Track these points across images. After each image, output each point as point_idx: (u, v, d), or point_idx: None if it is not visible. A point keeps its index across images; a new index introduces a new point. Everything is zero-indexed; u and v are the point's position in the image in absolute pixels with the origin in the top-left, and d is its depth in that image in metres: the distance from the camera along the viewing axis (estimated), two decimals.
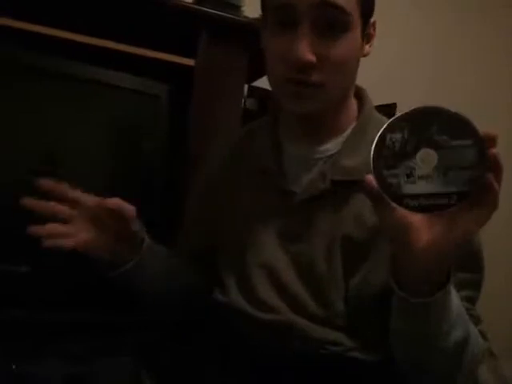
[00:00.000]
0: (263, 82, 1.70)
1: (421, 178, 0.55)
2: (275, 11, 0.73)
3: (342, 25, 0.70)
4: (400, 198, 0.55)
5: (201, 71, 1.29)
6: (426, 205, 0.54)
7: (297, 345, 0.76)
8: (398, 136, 0.56)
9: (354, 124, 0.83)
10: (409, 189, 0.55)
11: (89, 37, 1.25)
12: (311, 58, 0.69)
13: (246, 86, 1.53)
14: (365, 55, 0.79)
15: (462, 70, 2.02)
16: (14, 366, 0.83)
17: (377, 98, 1.99)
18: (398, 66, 2.06)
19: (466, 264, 0.74)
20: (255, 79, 1.66)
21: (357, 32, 0.73)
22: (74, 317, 1.07)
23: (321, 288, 0.76)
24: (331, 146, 0.82)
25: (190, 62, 1.31)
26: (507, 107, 1.93)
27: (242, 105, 1.45)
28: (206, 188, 0.98)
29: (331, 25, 0.70)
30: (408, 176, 0.55)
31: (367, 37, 0.78)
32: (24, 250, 1.16)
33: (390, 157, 0.56)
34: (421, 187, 0.55)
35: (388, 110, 1.84)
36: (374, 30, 0.80)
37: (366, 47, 0.79)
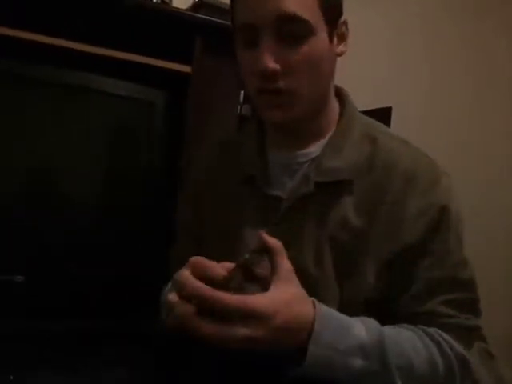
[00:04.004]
0: None
1: None
2: (240, 31, 0.76)
3: (301, 32, 0.73)
4: None
5: (197, 78, 1.30)
6: None
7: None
8: None
9: (334, 128, 0.83)
10: None
11: (84, 44, 1.24)
12: (273, 65, 0.72)
13: (241, 93, 1.53)
14: (339, 55, 0.80)
15: (459, 73, 2.03)
16: (11, 377, 0.82)
17: (373, 101, 2.00)
18: (393, 69, 2.07)
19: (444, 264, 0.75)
20: None
21: (322, 35, 0.75)
22: (70, 325, 1.06)
23: (314, 293, 0.75)
24: (314, 149, 0.82)
25: (187, 68, 1.31)
26: (505, 109, 1.93)
27: (238, 111, 1.45)
28: (191, 195, 0.97)
29: (291, 34, 0.73)
30: None
31: (339, 37, 0.79)
32: (19, 261, 1.17)
33: None
34: None
35: (384, 113, 1.84)
36: (347, 28, 0.80)
37: (340, 47, 0.79)
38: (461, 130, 1.86)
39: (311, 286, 0.74)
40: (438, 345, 0.71)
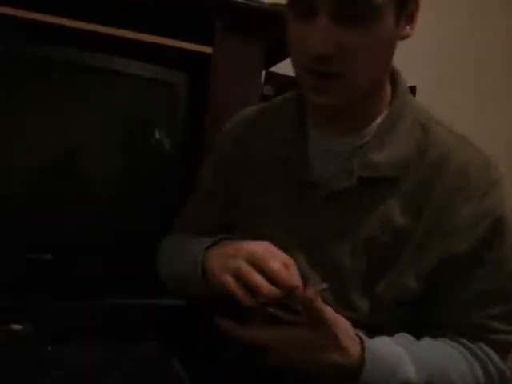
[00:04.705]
0: (281, 68, 1.70)
1: None
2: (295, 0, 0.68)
3: (365, 13, 0.63)
4: None
5: (218, 58, 1.29)
6: None
7: None
8: None
9: (385, 112, 0.75)
10: None
11: (105, 26, 1.25)
12: (327, 49, 0.63)
13: (263, 72, 1.52)
14: (404, 38, 0.70)
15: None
16: (49, 348, 0.84)
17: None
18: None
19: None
20: (272, 65, 1.65)
21: (388, 18, 0.65)
22: (97, 303, 1.09)
23: (345, 290, 0.73)
24: (359, 137, 0.75)
25: (208, 49, 1.30)
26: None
27: (260, 91, 1.44)
28: (220, 163, 0.91)
29: (353, 14, 0.63)
30: None
31: (407, 18, 0.69)
32: (48, 239, 1.19)
33: None
34: None
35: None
36: (417, 8, 0.69)
37: (407, 28, 0.69)
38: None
39: (341, 283, 0.73)
40: (485, 369, 0.70)
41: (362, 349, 0.63)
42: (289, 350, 0.62)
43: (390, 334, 0.71)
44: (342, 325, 0.63)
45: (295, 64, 0.72)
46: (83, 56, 1.24)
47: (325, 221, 0.75)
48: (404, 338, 0.71)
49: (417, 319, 0.73)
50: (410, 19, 0.70)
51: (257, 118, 0.89)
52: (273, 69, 1.69)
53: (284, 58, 1.61)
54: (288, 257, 0.67)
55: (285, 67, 1.71)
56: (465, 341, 0.72)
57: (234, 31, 1.27)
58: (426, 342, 0.72)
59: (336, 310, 0.64)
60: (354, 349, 0.63)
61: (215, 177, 0.92)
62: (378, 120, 0.75)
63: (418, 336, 0.72)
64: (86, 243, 1.22)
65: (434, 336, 0.73)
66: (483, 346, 0.71)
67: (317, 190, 0.75)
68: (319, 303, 0.60)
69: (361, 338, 0.65)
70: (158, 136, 1.31)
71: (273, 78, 1.71)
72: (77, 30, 1.22)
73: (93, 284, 1.12)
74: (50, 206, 1.21)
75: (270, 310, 0.62)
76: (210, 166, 0.95)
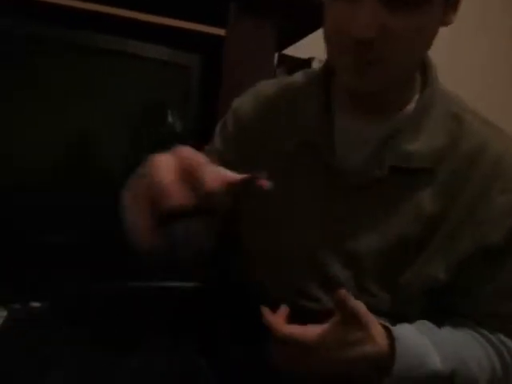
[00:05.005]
0: (293, 50, 1.70)
1: None
2: None
3: None
4: None
5: (231, 41, 1.29)
6: None
7: None
8: None
9: (415, 98, 0.73)
10: None
11: (118, 8, 1.24)
12: (370, 33, 0.59)
13: (275, 55, 1.51)
14: (447, 24, 0.66)
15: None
16: (63, 328, 0.85)
17: None
18: None
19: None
20: (285, 47, 1.64)
21: (437, 3, 0.61)
22: (120, 286, 1.10)
23: (366, 279, 0.71)
24: (390, 124, 0.71)
25: (221, 31, 1.30)
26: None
27: (273, 73, 1.44)
28: (234, 134, 0.85)
29: None
30: None
31: (452, 5, 0.65)
32: (74, 224, 1.21)
33: None
34: None
35: None
36: None
37: (450, 16, 0.66)
38: None
39: (365, 270, 0.71)
40: (501, 356, 0.71)
41: (391, 339, 0.64)
42: (331, 347, 0.62)
43: (410, 321, 0.70)
44: (371, 316, 0.63)
45: (331, 45, 0.67)
46: (97, 38, 1.25)
47: (351, 209, 0.72)
48: (425, 325, 0.70)
49: (438, 307, 0.73)
50: (455, 5, 0.66)
51: (277, 94, 0.83)
52: (286, 51, 1.69)
53: (297, 41, 1.60)
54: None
55: (297, 49, 1.71)
56: (485, 331, 0.72)
57: (248, 13, 1.27)
58: (448, 331, 0.71)
59: (355, 297, 0.62)
60: (381, 338, 0.63)
61: (228, 147, 0.85)
62: (409, 107, 0.72)
63: (437, 323, 0.72)
64: (104, 226, 1.23)
65: (455, 324, 0.73)
66: (502, 336, 0.72)
67: (343, 177, 0.72)
68: (351, 300, 0.60)
69: (388, 328, 0.65)
70: (170, 118, 1.32)
71: (285, 60, 1.70)
72: (91, 13, 1.23)
73: (110, 267, 1.14)
74: (66, 190, 1.23)
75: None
76: (222, 135, 0.88)
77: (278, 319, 0.65)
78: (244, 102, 0.86)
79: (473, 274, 0.70)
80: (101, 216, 1.24)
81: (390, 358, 0.63)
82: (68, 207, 1.22)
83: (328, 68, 0.76)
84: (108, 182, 1.28)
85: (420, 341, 0.65)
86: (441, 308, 0.73)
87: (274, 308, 0.70)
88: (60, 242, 1.17)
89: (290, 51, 1.69)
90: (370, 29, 0.59)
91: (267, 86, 0.85)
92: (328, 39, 0.67)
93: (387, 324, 0.65)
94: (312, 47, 1.77)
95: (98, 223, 1.23)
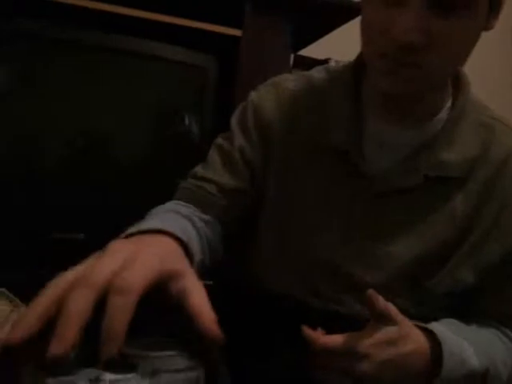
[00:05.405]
0: (309, 51, 1.69)
1: None
2: None
3: (464, 0, 0.57)
4: None
5: (247, 41, 1.29)
6: None
7: None
8: None
9: (447, 106, 0.71)
10: None
11: (134, 9, 1.25)
12: (415, 38, 0.57)
13: (291, 56, 1.51)
14: (488, 30, 0.64)
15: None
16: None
17: None
18: None
19: None
20: (301, 48, 1.64)
21: (482, 7, 0.59)
22: None
23: (391, 287, 0.70)
24: (424, 132, 0.70)
25: (237, 32, 1.30)
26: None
27: None
28: (256, 133, 0.79)
29: (451, 1, 0.57)
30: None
31: (497, 9, 0.63)
32: (80, 219, 1.23)
33: None
34: None
35: None
36: None
37: (493, 20, 0.64)
38: None
39: (389, 276, 0.71)
40: None
41: (432, 340, 0.63)
42: (381, 350, 0.60)
43: (428, 320, 0.69)
44: (402, 316, 0.62)
45: (369, 47, 0.65)
46: (113, 39, 1.26)
47: (378, 217, 0.71)
48: (455, 325, 0.70)
49: (462, 307, 0.73)
50: (498, 10, 0.64)
51: (300, 92, 0.79)
52: (302, 52, 1.69)
53: (313, 42, 1.60)
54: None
55: (313, 50, 1.70)
56: (508, 331, 0.73)
57: (263, 14, 1.27)
58: (475, 330, 0.72)
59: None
60: (423, 340, 0.63)
61: (250, 145, 0.80)
62: (441, 115, 0.71)
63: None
64: (117, 224, 1.24)
65: (479, 323, 0.73)
66: None
67: (372, 184, 0.71)
68: (382, 300, 0.60)
69: (425, 327, 0.64)
70: (186, 119, 1.32)
71: (302, 61, 1.70)
72: (108, 14, 1.24)
73: None
74: (83, 187, 1.25)
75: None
76: (242, 131, 0.81)
77: (316, 333, 0.63)
78: (265, 99, 0.81)
79: (498, 277, 0.72)
80: (114, 215, 1.25)
81: (435, 361, 0.62)
82: (83, 205, 1.23)
83: (358, 69, 0.75)
84: (124, 181, 1.29)
85: (457, 341, 0.65)
86: (463, 308, 0.73)
87: (296, 313, 0.70)
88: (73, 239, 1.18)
89: (306, 52, 1.69)
90: (416, 34, 0.57)
91: (288, 83, 0.81)
92: (367, 41, 0.65)
93: (425, 325, 0.64)
94: (328, 48, 1.77)
95: (111, 221, 1.24)
